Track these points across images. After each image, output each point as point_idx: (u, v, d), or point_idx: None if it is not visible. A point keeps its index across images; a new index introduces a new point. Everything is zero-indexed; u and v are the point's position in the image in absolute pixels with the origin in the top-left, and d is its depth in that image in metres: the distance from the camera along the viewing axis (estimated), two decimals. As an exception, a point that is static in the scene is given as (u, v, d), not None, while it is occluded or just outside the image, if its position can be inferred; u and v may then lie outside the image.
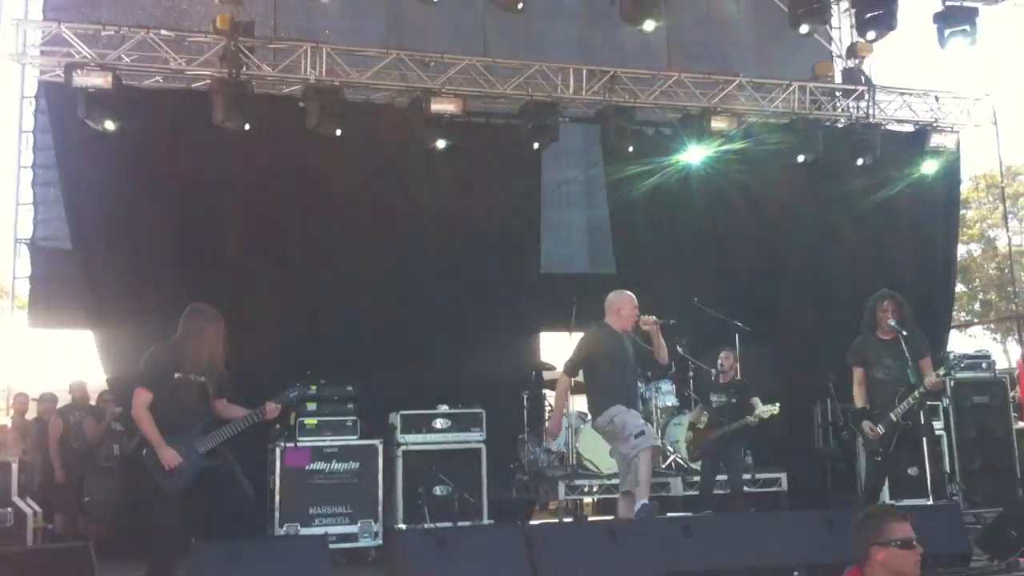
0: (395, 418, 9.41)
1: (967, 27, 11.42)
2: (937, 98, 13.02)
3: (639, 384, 9.43)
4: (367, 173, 10.83)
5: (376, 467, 9.05)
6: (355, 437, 9.09)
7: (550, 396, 11.30)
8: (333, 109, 10.32)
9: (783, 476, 10.36)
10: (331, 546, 7.92)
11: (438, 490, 9.24)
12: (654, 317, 7.50)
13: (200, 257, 10.17)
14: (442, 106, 10.58)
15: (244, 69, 10.26)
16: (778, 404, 9.12)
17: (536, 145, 11.19)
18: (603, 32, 12.43)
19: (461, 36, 11.98)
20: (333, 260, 10.66)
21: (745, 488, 9.46)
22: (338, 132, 10.35)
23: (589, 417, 10.12)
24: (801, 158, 12.01)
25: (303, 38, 10.91)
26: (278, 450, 8.83)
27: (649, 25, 10.46)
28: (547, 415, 10.90)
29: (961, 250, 32.37)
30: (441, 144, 10.75)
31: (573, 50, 12.60)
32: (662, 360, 7.75)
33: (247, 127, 9.97)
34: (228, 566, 5.52)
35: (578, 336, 10.54)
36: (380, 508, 9.02)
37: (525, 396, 10.59)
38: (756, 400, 9.21)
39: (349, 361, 10.03)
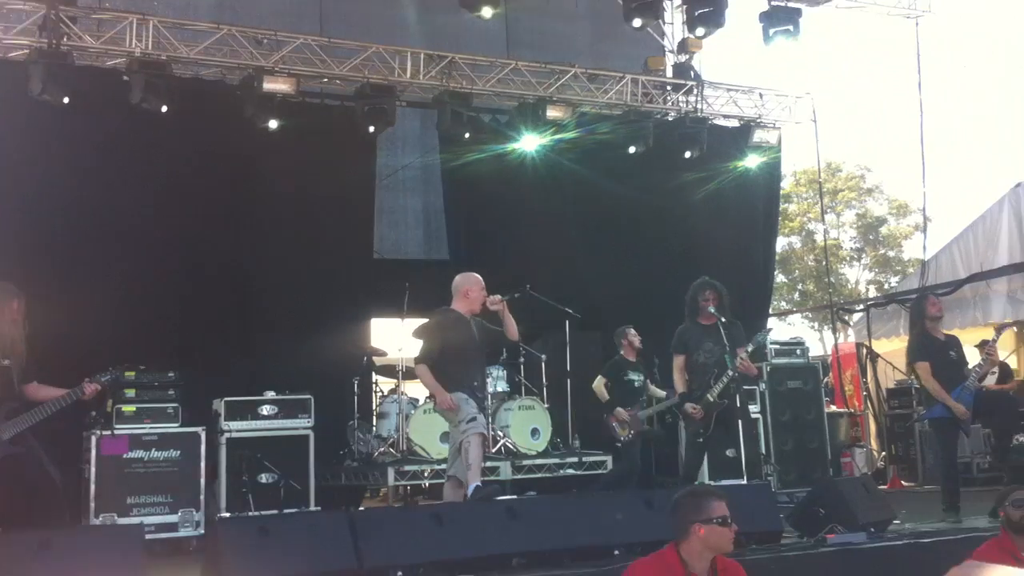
0: (219, 404, 9.16)
1: (790, 27, 11.93)
2: (761, 95, 13.56)
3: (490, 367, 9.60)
4: (195, 152, 10.43)
5: (198, 455, 8.79)
6: (176, 424, 8.80)
7: (382, 382, 11.27)
8: (159, 84, 9.95)
9: (608, 459, 10.58)
10: (150, 536, 7.73)
11: (263, 478, 9.05)
12: (498, 296, 7.51)
13: (14, 238, 9.60)
14: (275, 85, 10.36)
15: (65, 39, 9.80)
16: None
17: (372, 129, 11.09)
18: (442, 17, 12.39)
19: (297, 15, 11.77)
20: (156, 240, 10.22)
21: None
22: (164, 108, 9.99)
23: (420, 402, 10.22)
24: (632, 149, 12.31)
25: (129, 10, 10.48)
26: (94, 438, 8.46)
27: (487, 12, 10.51)
28: (377, 401, 10.84)
29: (783, 242, 33.92)
30: (273, 124, 10.52)
31: (412, 34, 12.52)
32: (512, 337, 7.75)
33: (66, 100, 9.51)
34: (35, 557, 5.25)
35: (411, 322, 10.62)
36: (202, 497, 8.77)
37: (356, 382, 10.50)
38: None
39: (171, 346, 9.72)
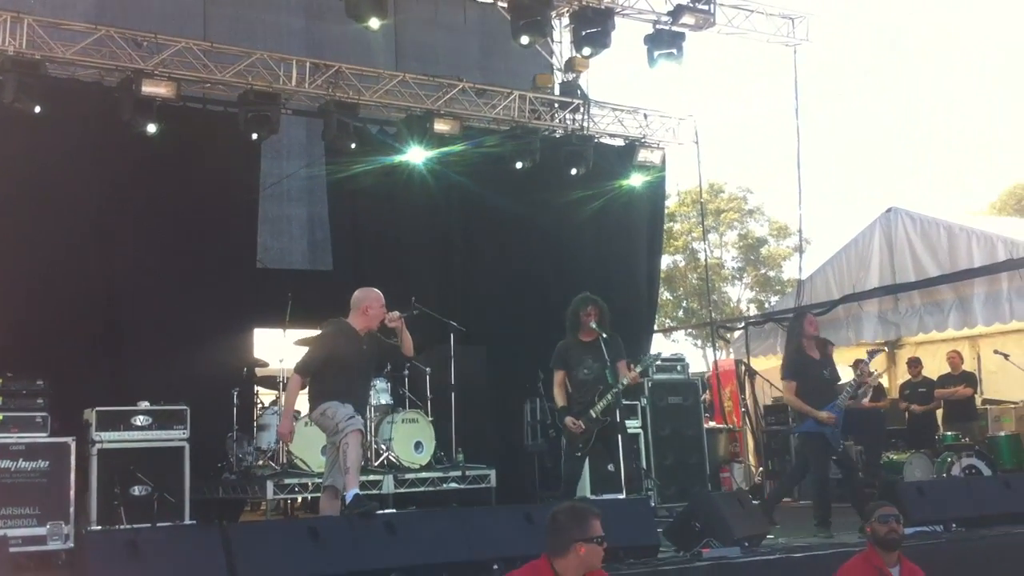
0: (90, 414, 8.86)
1: (674, 50, 12.23)
2: (646, 115, 13.80)
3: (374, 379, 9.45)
4: (69, 154, 10.07)
5: (68, 466, 8.48)
6: (45, 434, 8.48)
7: (263, 393, 11.07)
8: (32, 84, 9.63)
9: (492, 473, 10.59)
10: (16, 549, 7.48)
11: (136, 490, 8.77)
12: (397, 313, 7.41)
13: None
14: (154, 89, 10.10)
15: (-70, 36, 9.42)
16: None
17: (255, 136, 10.90)
18: (329, 26, 12.31)
19: (179, 19, 11.52)
20: (29, 246, 9.86)
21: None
22: (37, 109, 9.66)
23: (303, 414, 10.07)
24: (519, 164, 12.37)
25: (3, 8, 10.09)
26: (-44, 448, 8.11)
27: (374, 23, 10.47)
28: (257, 413, 10.63)
29: (667, 260, 34.60)
30: (152, 129, 10.25)
31: (297, 42, 12.41)
32: (408, 353, 7.66)
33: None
34: None
35: (293, 333, 10.48)
36: (72, 509, 8.46)
37: (236, 393, 10.27)
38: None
39: (41, 354, 9.35)
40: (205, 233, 10.80)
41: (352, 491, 6.74)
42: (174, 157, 10.63)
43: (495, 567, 6.24)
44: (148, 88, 10.09)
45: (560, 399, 8.38)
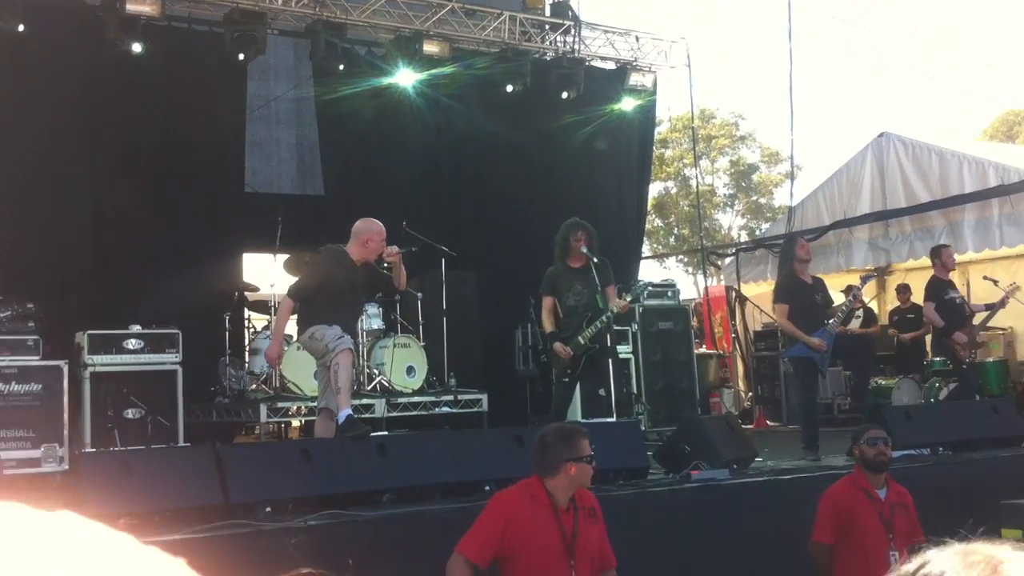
0: (82, 338, 8.84)
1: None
2: (637, 38, 13.59)
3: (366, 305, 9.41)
4: (53, 74, 9.92)
5: (61, 389, 8.45)
6: (37, 357, 8.45)
7: (254, 318, 11.07)
8: (15, 3, 9.41)
9: (484, 397, 10.64)
10: (11, 471, 7.52)
11: (130, 413, 8.79)
12: (396, 248, 7.36)
13: None
14: (138, 7, 9.85)
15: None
16: None
17: (242, 56, 10.70)
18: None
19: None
20: (13, 169, 9.75)
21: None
22: (20, 28, 9.47)
23: (293, 338, 10.08)
24: (510, 88, 12.22)
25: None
26: (-53, 370, 8.10)
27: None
28: (249, 338, 10.64)
29: (659, 187, 34.48)
30: (137, 48, 10.06)
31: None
32: (400, 287, 7.67)
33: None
34: None
35: (283, 258, 10.45)
36: (66, 432, 8.46)
37: (227, 318, 10.27)
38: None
39: (29, 279, 9.30)
40: (192, 156, 10.68)
41: (345, 411, 6.75)
42: (159, 78, 10.47)
43: (487, 488, 6.30)
44: (132, 6, 9.85)
45: (548, 325, 8.38)
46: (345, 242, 7.30)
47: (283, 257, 10.50)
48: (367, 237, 7.25)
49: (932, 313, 10.31)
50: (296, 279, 7.43)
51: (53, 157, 9.96)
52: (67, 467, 8.27)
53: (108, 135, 10.34)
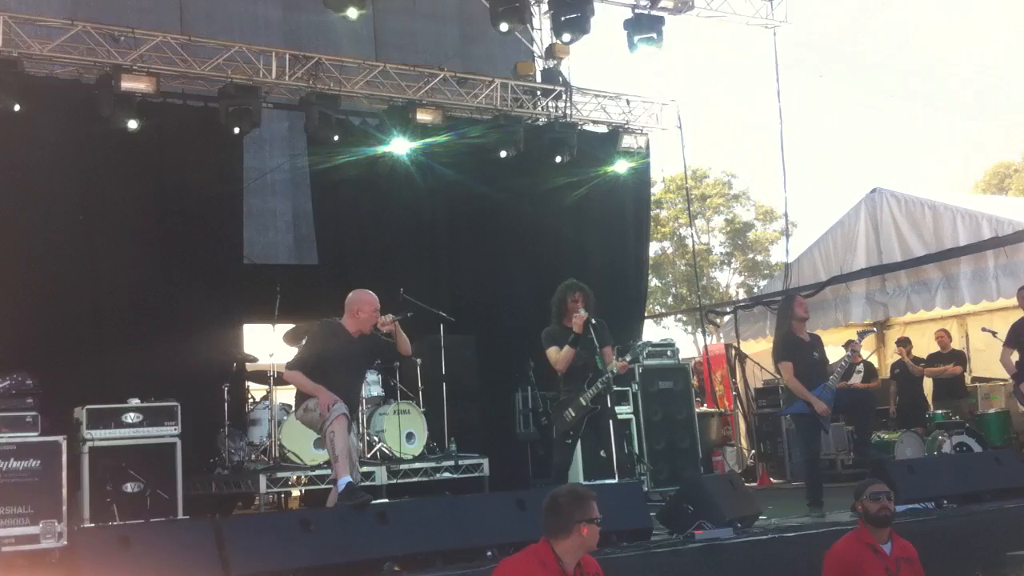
0: (80, 413, 8.83)
1: (654, 34, 12.22)
2: (628, 101, 13.77)
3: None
4: (51, 153, 10.04)
5: (59, 465, 8.44)
6: (35, 433, 8.43)
7: (253, 388, 11.04)
8: (10, 82, 9.56)
9: (485, 462, 10.59)
10: (10, 548, 7.50)
11: (129, 487, 8.75)
12: (390, 316, 7.35)
13: None
14: (133, 84, 10.02)
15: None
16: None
17: (237, 130, 10.81)
18: (307, 17, 12.26)
19: (155, 12, 11.46)
20: (11, 245, 9.82)
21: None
22: (16, 107, 9.61)
23: (292, 408, 10.04)
24: (503, 153, 12.34)
25: (-21, 5, 10.06)
26: (-54, 450, 8.07)
27: (352, 13, 10.42)
28: (248, 408, 10.61)
29: (655, 247, 34.62)
30: (133, 125, 10.20)
31: (275, 33, 12.36)
32: (405, 353, 7.60)
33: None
34: None
35: (282, 328, 10.45)
36: (64, 508, 8.43)
37: (226, 389, 10.24)
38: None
39: (28, 353, 9.29)
40: (190, 229, 10.77)
41: (344, 479, 6.69)
42: (156, 153, 10.60)
43: (488, 553, 6.24)
44: (127, 83, 10.02)
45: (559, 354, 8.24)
46: (341, 311, 7.32)
47: (282, 327, 10.51)
48: (357, 308, 7.25)
49: (1009, 359, 10.06)
50: (295, 352, 7.42)
51: (50, 234, 10.03)
52: (65, 543, 8.23)
53: (106, 209, 10.42)
